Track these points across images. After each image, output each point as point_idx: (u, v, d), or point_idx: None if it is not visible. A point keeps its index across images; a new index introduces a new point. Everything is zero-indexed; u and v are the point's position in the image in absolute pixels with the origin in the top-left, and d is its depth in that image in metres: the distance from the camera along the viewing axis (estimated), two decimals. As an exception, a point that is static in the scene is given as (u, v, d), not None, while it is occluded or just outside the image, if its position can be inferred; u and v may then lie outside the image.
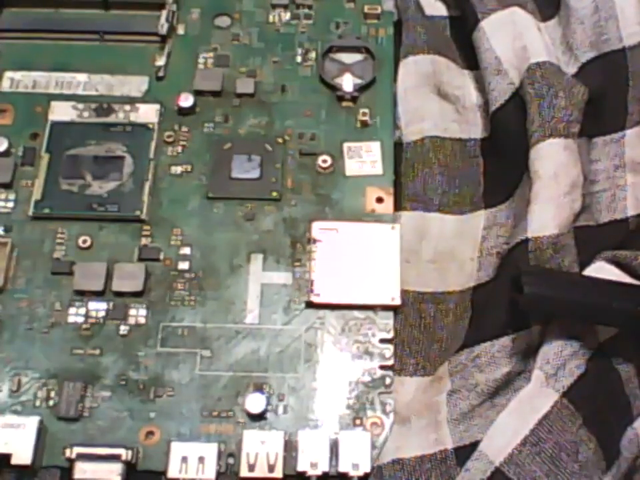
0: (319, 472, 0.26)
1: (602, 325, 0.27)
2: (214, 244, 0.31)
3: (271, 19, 0.35)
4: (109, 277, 0.29)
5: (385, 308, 0.29)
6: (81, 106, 0.33)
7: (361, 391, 0.28)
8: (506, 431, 0.26)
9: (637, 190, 0.30)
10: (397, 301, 0.29)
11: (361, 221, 0.31)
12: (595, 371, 0.27)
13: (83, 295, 0.29)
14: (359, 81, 0.34)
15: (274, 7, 0.35)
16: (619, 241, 0.29)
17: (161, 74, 0.34)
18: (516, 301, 0.27)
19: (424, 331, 0.30)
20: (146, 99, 0.33)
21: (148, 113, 0.33)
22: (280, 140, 0.32)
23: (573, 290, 0.27)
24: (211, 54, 0.34)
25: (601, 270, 0.28)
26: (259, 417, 0.28)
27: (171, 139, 0.32)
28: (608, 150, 0.31)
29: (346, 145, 0.33)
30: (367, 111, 0.33)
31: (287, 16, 0.35)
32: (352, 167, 0.32)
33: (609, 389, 0.27)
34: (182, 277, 0.30)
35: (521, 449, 0.25)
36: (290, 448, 0.27)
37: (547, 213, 0.28)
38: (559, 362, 0.26)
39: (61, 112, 0.33)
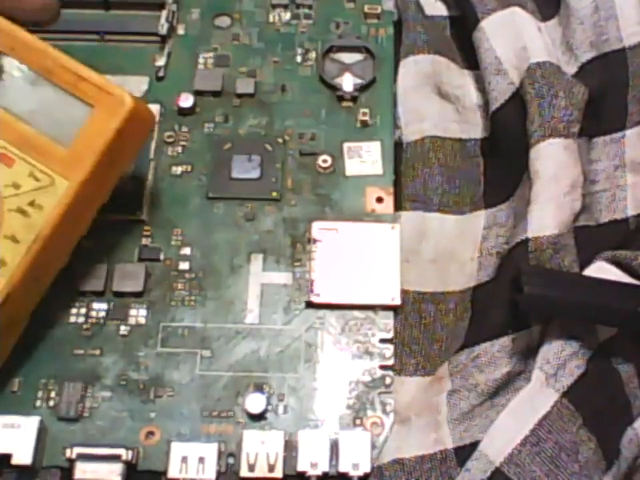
0: (319, 472, 0.26)
1: (602, 325, 0.27)
2: (214, 244, 0.31)
3: (271, 18, 0.35)
4: (109, 277, 0.30)
5: (385, 308, 0.29)
6: (81, 106, 0.33)
7: (361, 391, 0.28)
8: (506, 431, 0.26)
9: (637, 190, 0.30)
10: (397, 301, 0.29)
11: (361, 220, 0.31)
12: (595, 371, 0.27)
13: (84, 295, 0.29)
14: (359, 81, 0.34)
15: (274, 6, 0.35)
16: (619, 241, 0.29)
17: (161, 74, 0.34)
18: (516, 301, 0.27)
19: (424, 331, 0.30)
20: (146, 99, 0.33)
21: (148, 113, 0.33)
22: (280, 140, 0.33)
23: (572, 290, 0.27)
24: (211, 54, 0.34)
25: (601, 270, 0.28)
26: (259, 417, 0.28)
27: (171, 139, 0.32)
28: (608, 150, 0.31)
29: (346, 145, 0.33)
30: (367, 110, 0.33)
31: (286, 16, 0.35)
32: (352, 167, 0.32)
33: (609, 389, 0.27)
34: (182, 277, 0.30)
35: (521, 449, 0.25)
36: (290, 448, 0.27)
37: (547, 213, 0.28)
38: (559, 362, 0.26)
39: (61, 112, 0.33)
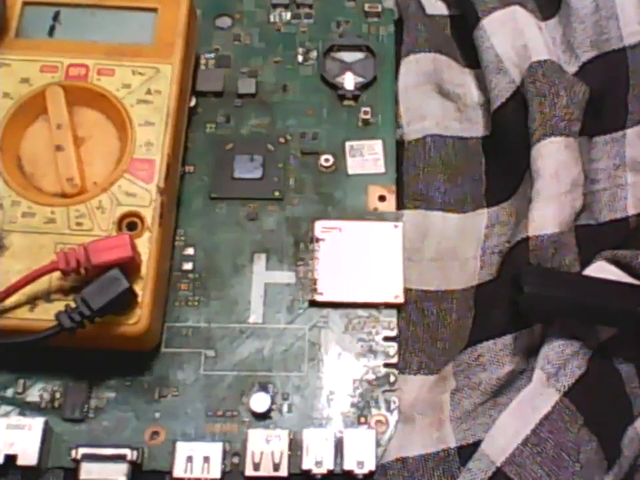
0: (324, 470, 0.27)
1: (602, 325, 0.27)
2: (217, 244, 0.31)
3: (271, 18, 0.35)
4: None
5: (389, 306, 0.30)
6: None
7: (365, 389, 0.28)
8: (507, 431, 0.26)
9: (638, 189, 0.30)
10: (401, 299, 0.29)
11: (364, 219, 0.31)
12: (595, 371, 0.27)
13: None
14: (360, 80, 0.34)
15: (274, 6, 0.35)
16: (619, 240, 0.29)
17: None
18: (516, 301, 0.27)
19: (427, 330, 0.30)
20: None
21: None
22: (282, 139, 0.33)
23: (572, 290, 0.27)
24: (212, 54, 0.34)
25: (601, 269, 0.28)
26: (263, 416, 0.28)
27: (173, 139, 0.32)
28: (608, 149, 0.31)
29: (348, 144, 0.33)
30: (368, 109, 0.33)
31: (287, 15, 0.35)
32: (354, 166, 0.32)
33: (609, 388, 0.27)
34: (186, 277, 0.30)
35: (522, 449, 0.25)
36: (295, 446, 0.27)
37: (548, 212, 0.29)
38: (560, 362, 0.26)
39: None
